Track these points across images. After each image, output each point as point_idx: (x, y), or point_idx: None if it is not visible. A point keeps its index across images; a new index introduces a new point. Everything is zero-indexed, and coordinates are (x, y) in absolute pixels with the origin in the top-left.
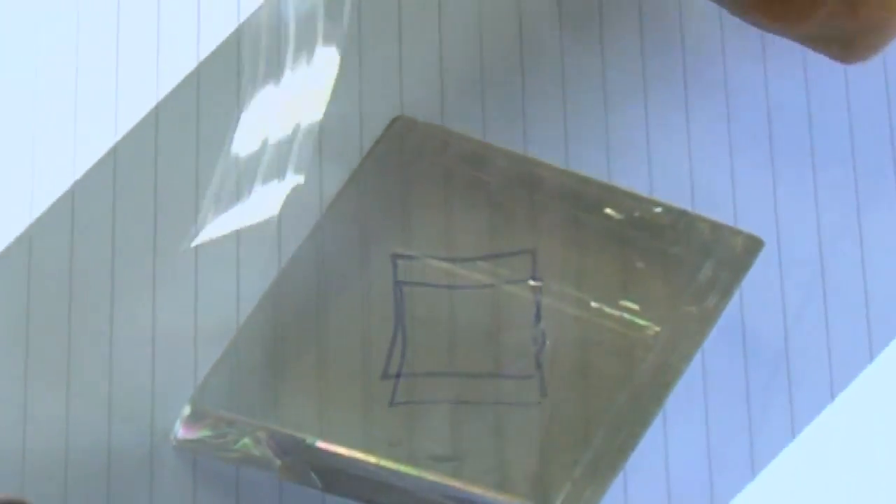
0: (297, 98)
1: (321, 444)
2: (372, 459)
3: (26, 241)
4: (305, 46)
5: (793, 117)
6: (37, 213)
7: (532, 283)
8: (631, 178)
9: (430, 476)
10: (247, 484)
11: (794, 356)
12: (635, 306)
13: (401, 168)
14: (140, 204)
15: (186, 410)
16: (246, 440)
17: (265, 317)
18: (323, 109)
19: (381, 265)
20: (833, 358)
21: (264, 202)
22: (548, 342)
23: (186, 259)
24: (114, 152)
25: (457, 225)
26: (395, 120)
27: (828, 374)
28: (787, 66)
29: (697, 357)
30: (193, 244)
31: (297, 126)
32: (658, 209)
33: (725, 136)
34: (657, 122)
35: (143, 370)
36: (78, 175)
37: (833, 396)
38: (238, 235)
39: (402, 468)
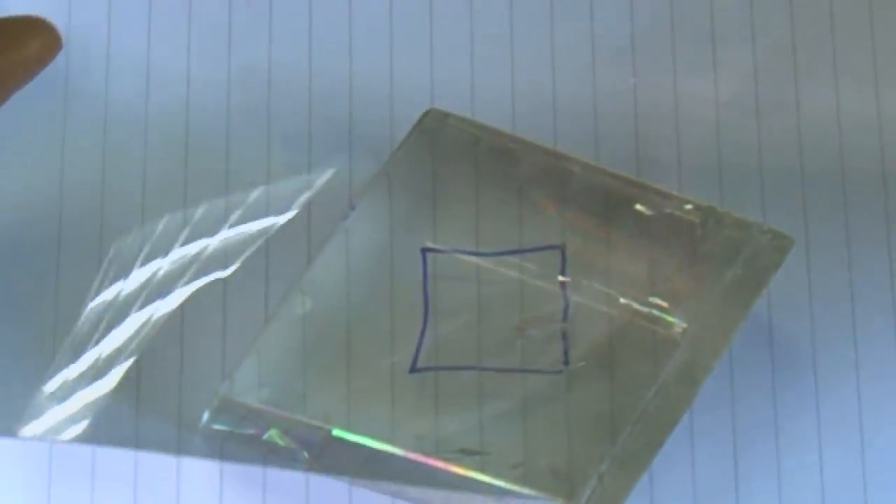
0: (328, 90)
1: (348, 437)
2: (399, 452)
3: (55, 228)
4: (335, 39)
5: (822, 114)
6: (66, 200)
7: (560, 278)
8: (660, 175)
9: (457, 469)
10: (273, 475)
11: (821, 356)
12: (664, 303)
13: (431, 161)
14: (169, 195)
15: (215, 401)
16: (273, 431)
17: (295, 309)
18: (354, 102)
19: (411, 258)
20: (860, 358)
21: (294, 195)
22: (575, 338)
23: (215, 251)
24: (144, 141)
25: (486, 219)
26: (426, 113)
27: (854, 375)
28: (817, 62)
29: (724, 356)
30: (222, 237)
31: (328, 118)
32: (688, 206)
33: (755, 132)
34: (686, 118)
35: (172, 361)
36: (107, 168)
37: (860, 397)
38: (267, 228)
39: (429, 461)
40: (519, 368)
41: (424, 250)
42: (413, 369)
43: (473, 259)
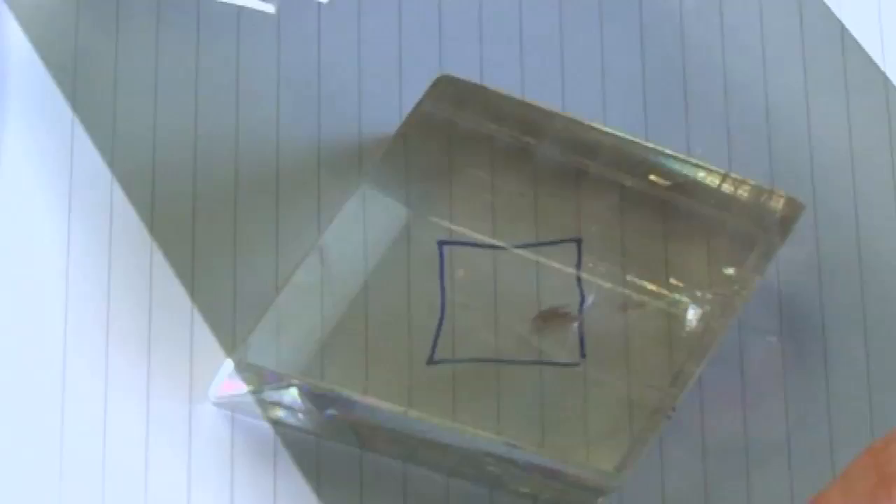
0: (337, 58)
1: (361, 399)
2: (414, 413)
3: (65, 208)
4: (344, 8)
5: (829, 79)
6: (76, 189)
7: (574, 244)
8: (668, 139)
9: (472, 430)
10: (285, 441)
11: (830, 319)
12: (676, 269)
13: (444, 127)
14: (179, 166)
15: (228, 366)
16: (285, 396)
17: (309, 274)
18: (362, 70)
19: (424, 224)
20: (868, 320)
21: (304, 162)
22: (588, 302)
23: (226, 220)
24: (154, 114)
25: (500, 187)
26: (439, 79)
27: (863, 336)
28: (821, 29)
29: (733, 321)
30: (234, 206)
31: (337, 86)
32: (702, 173)
33: (762, 96)
34: (693, 82)
35: (182, 331)
36: (118, 146)
37: (868, 358)
38: (277, 196)
39: (443, 423)
40: (535, 361)
41: (441, 243)
42: (430, 361)
43: (487, 225)
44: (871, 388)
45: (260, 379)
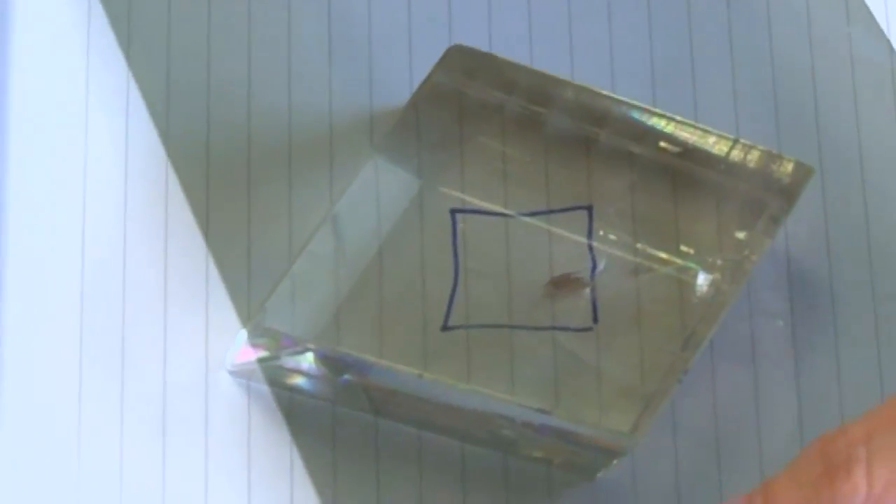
0: (347, 29)
1: (377, 362)
2: (429, 377)
3: (80, 187)
4: None
5: (834, 44)
6: (91, 164)
7: (585, 211)
8: (677, 107)
9: (489, 392)
10: (301, 409)
11: (838, 283)
12: (686, 235)
13: (455, 97)
14: (193, 139)
15: (243, 335)
16: (302, 362)
17: (324, 245)
18: (372, 41)
19: (436, 194)
20: (877, 286)
21: (316, 133)
22: (600, 268)
23: (240, 193)
24: (166, 93)
25: (510, 155)
26: (450, 49)
27: (871, 301)
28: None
29: (743, 286)
30: (247, 178)
31: (347, 58)
32: (711, 140)
33: (769, 62)
34: (701, 50)
35: (197, 301)
36: (132, 120)
37: (877, 323)
38: (290, 167)
39: (457, 385)
40: (549, 326)
41: (453, 211)
42: (444, 327)
43: (499, 193)
44: (881, 351)
45: (276, 344)
